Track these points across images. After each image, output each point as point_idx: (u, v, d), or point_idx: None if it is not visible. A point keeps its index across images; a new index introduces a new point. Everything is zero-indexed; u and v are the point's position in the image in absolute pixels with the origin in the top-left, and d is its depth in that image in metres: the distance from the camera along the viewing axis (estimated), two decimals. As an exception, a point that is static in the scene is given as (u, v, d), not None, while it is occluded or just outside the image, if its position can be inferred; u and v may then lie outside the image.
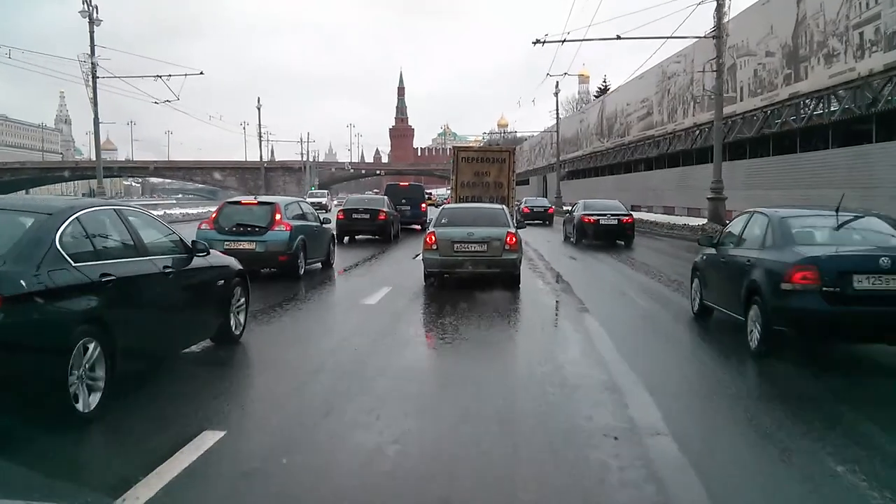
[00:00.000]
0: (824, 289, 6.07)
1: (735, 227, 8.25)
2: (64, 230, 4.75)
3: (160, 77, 25.10)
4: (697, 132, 32.62)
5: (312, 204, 17.77)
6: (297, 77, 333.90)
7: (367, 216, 21.88)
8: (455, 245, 10.93)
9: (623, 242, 20.23)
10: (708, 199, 20.87)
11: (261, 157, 57.22)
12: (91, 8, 23.51)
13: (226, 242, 12.38)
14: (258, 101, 55.93)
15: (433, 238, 11.08)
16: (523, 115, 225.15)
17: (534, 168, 76.45)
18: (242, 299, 7.43)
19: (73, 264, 4.65)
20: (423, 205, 27.03)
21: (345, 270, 14.95)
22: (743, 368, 6.63)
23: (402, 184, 28.95)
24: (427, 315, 9.62)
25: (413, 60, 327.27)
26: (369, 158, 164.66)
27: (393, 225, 22.55)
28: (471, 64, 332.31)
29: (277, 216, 12.94)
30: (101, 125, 25.40)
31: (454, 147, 27.18)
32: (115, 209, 5.79)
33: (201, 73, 26.31)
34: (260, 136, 54.06)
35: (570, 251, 19.26)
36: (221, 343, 7.01)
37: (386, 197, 24.51)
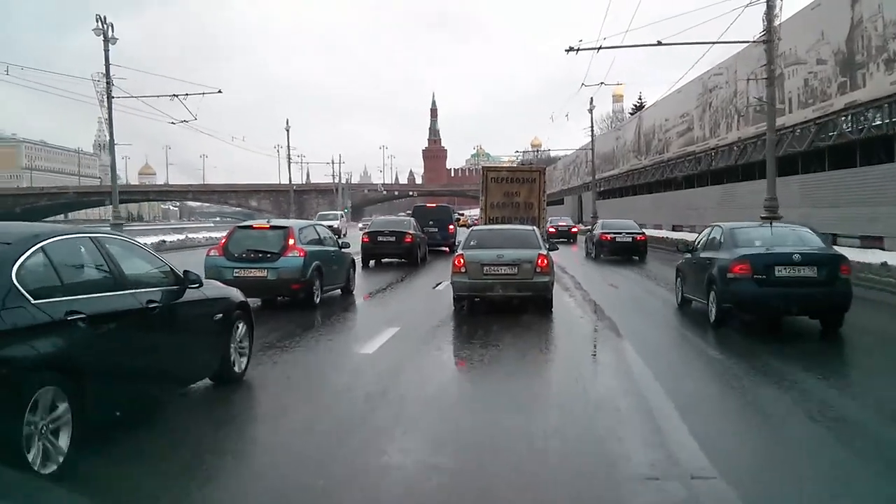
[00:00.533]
0: (755, 276, 8.73)
1: (703, 237, 11.00)
2: (23, 262, 4.21)
3: (176, 96, 24.45)
4: (742, 147, 30.95)
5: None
6: (332, 100, 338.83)
7: (393, 239, 21.13)
8: (484, 268, 10.55)
9: (637, 258, 22.47)
10: (762, 218, 19.26)
11: (290, 179, 56.74)
12: (105, 26, 22.93)
13: (235, 270, 11.63)
14: (287, 122, 55.49)
15: (462, 261, 10.70)
16: (557, 135, 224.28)
17: (568, 188, 75.00)
18: (245, 334, 6.74)
19: (33, 301, 4.09)
20: (451, 226, 26.28)
21: (370, 295, 14.23)
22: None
23: (429, 205, 28.30)
24: (432, 374, 7.27)
25: (446, 82, 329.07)
26: (403, 180, 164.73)
27: (420, 248, 21.79)
28: (503, 84, 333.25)
29: (290, 241, 12.00)
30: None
31: (483, 167, 26.77)
32: (90, 237, 5.10)
33: (219, 91, 25.54)
34: (289, 158, 53.58)
35: (600, 272, 19.21)
36: (222, 382, 6.33)
37: (412, 219, 23.64)
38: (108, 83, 22.55)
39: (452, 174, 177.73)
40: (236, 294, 6.81)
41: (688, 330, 9.86)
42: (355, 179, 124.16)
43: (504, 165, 51.58)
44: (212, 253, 12.19)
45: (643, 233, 23.38)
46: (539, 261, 10.51)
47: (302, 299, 11.90)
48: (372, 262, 21.04)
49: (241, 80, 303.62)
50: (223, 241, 12.43)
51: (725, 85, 32.33)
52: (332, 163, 74.63)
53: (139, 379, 5.10)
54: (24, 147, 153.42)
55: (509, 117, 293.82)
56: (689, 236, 30.94)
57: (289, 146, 53.84)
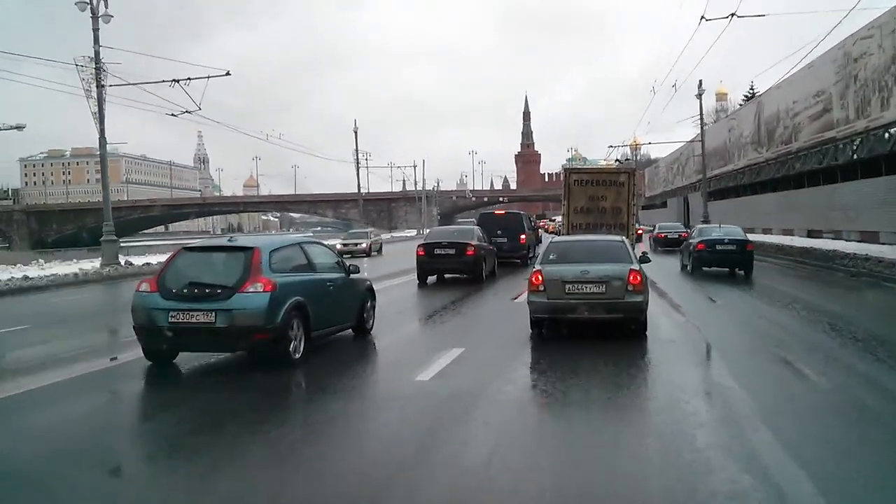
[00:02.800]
0: (706, 250, 19.18)
1: (693, 232, 22.02)
2: None
3: (177, 81, 20.86)
4: (902, 128, 24.48)
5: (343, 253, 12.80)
6: (426, 107, 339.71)
7: (453, 251, 17.77)
8: (567, 286, 9.40)
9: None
10: None
11: (358, 187, 52.92)
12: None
13: (172, 313, 7.82)
14: (355, 122, 51.90)
15: (540, 278, 9.58)
16: (658, 133, 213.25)
17: (672, 188, 68.29)
18: None
19: None
20: (524, 236, 23.24)
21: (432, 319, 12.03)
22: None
23: (497, 212, 25.52)
24: None
25: (540, 85, 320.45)
26: (498, 186, 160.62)
27: (485, 261, 18.26)
28: (599, 86, 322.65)
29: (252, 270, 7.94)
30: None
31: (565, 168, 24.14)
32: None
33: (227, 73, 22.20)
34: (357, 163, 49.96)
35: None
36: None
37: (477, 227, 19.97)
38: (97, 68, 19.07)
39: (546, 178, 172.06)
40: None
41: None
42: (451, 186, 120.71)
43: (589, 167, 46.81)
44: (142, 288, 8.17)
45: (686, 231, 30.47)
46: (631, 277, 9.32)
47: (270, 355, 7.89)
48: (433, 279, 17.93)
49: (340, 92, 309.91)
50: (162, 268, 8.50)
51: (878, 50, 25.78)
52: (414, 167, 70.92)
53: None
54: (124, 161, 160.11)
55: (606, 120, 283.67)
56: (841, 245, 24.73)
57: (357, 150, 50.39)
